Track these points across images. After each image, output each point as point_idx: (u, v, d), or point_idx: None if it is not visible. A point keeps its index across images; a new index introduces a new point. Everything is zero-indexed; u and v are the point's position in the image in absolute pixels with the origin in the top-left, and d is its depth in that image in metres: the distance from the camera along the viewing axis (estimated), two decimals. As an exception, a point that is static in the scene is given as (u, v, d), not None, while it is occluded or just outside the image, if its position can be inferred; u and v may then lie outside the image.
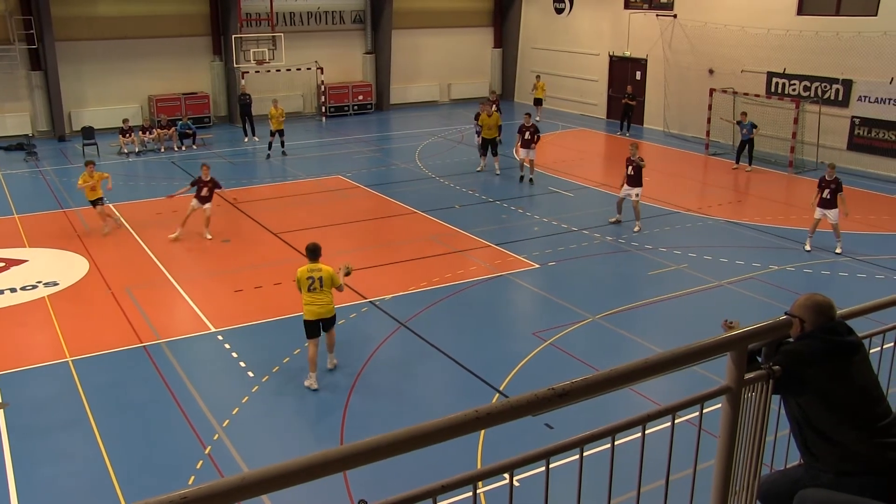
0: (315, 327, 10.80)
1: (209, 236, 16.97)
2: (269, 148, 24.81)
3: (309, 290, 10.72)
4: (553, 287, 14.32)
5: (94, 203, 17.44)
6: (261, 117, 27.62)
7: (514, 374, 11.05)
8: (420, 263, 15.45)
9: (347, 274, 11.25)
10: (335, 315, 11.13)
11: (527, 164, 21.32)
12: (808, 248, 16.08)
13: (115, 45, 27.91)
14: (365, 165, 23.98)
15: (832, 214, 15.67)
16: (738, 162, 23.38)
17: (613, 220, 17.86)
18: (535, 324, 12.87)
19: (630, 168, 17.31)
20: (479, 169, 22.82)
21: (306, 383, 10.71)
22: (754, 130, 22.79)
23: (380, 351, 11.84)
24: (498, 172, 22.29)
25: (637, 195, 17.30)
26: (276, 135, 24.50)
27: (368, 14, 32.86)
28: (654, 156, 25.90)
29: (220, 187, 17.37)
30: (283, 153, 24.83)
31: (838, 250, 15.83)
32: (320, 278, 10.70)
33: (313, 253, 10.83)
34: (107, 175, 17.88)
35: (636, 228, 17.27)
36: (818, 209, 15.86)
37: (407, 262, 15.53)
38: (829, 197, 15.69)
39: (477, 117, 23.20)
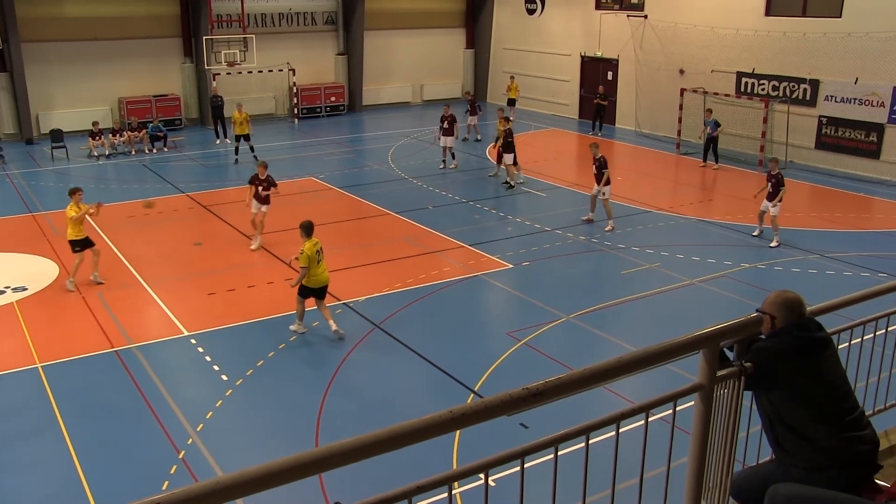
0: (314, 292, 12.14)
1: (254, 245, 16.40)
2: (237, 153, 24.29)
3: (318, 263, 11.98)
4: (527, 287, 14.37)
5: (83, 244, 14.22)
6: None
7: (489, 374, 11.07)
8: (394, 265, 15.43)
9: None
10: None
11: (503, 167, 21.25)
12: (755, 233, 16.98)
13: (83, 46, 27.58)
14: (338, 167, 23.91)
15: (773, 208, 16.36)
16: (705, 160, 23.70)
17: (586, 218, 17.97)
18: (510, 324, 12.90)
19: (594, 167, 17.56)
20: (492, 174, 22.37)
21: (292, 327, 12.37)
22: (718, 129, 23.09)
23: (354, 353, 11.80)
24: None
25: (605, 193, 17.45)
26: (241, 140, 23.98)
27: (340, 15, 32.77)
28: (625, 155, 26.11)
29: (275, 185, 16.52)
30: (255, 157, 24.13)
31: (773, 243, 16.40)
32: (320, 249, 12.06)
33: (310, 230, 12.03)
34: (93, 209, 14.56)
35: (608, 227, 17.40)
36: (764, 201, 16.62)
37: (381, 263, 15.50)
38: (771, 190, 16.43)
39: (443, 120, 23.07)
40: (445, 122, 22.83)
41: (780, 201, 16.28)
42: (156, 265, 15.52)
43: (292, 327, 12.43)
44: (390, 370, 11.41)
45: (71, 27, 27.39)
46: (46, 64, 27.14)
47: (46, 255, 15.93)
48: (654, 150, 26.29)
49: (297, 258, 11.95)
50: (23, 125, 26.86)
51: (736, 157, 24.00)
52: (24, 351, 11.80)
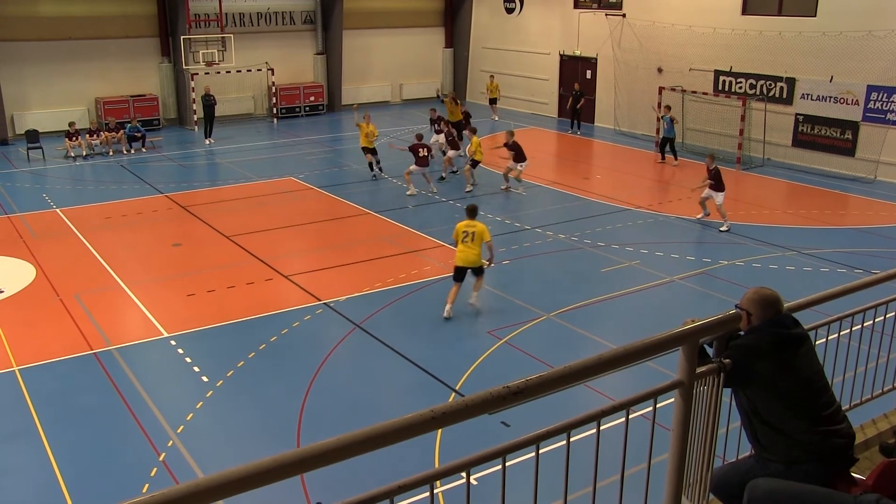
0: (461, 272, 12.98)
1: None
2: (372, 168, 21.91)
3: (462, 242, 12.87)
4: (507, 285, 14.39)
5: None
6: (221, 118, 27.59)
7: (470, 372, 11.08)
8: (374, 264, 15.40)
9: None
10: (482, 266, 13.09)
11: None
12: (700, 216, 18.22)
13: (58, 46, 27.29)
14: (317, 167, 23.82)
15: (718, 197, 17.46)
16: (663, 157, 23.96)
17: (504, 187, 20.63)
18: (490, 322, 12.92)
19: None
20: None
21: (444, 313, 12.88)
22: (674, 125, 23.48)
23: (335, 352, 11.78)
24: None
25: (518, 168, 20.23)
26: (371, 154, 21.60)
27: (319, 14, 32.66)
28: (604, 154, 26.22)
29: (430, 149, 20.37)
30: (379, 170, 22.04)
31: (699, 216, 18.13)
32: (473, 233, 12.85)
33: (472, 212, 13.21)
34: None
35: (520, 190, 20.39)
36: (707, 190, 17.78)
37: (361, 263, 15.47)
38: (713, 182, 17.55)
39: (438, 121, 23.46)
40: (436, 125, 23.66)
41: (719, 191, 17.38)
42: (134, 266, 15.40)
43: (443, 313, 12.97)
44: (371, 370, 11.39)
45: (46, 27, 27.09)
46: (21, 64, 26.84)
47: (23, 257, 15.76)
48: (633, 148, 26.41)
49: None
50: (-3, 126, 26.57)
51: (714, 155, 24.11)
52: (1, 354, 11.66)
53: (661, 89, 25.66)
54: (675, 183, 22.38)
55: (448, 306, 12.89)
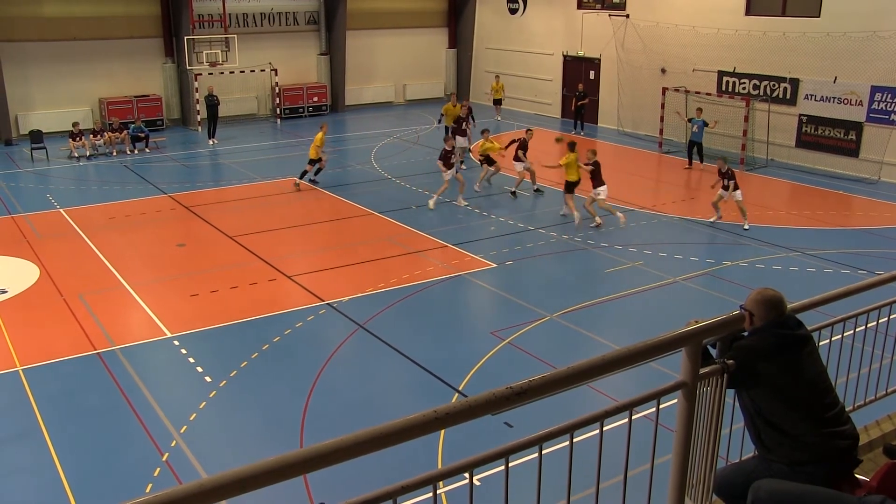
0: (572, 185, 17.67)
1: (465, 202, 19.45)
2: (302, 177, 21.08)
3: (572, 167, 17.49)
4: (510, 286, 14.39)
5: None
6: (224, 119, 27.64)
7: (473, 373, 11.08)
8: (377, 265, 15.41)
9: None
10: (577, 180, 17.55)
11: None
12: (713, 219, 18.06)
13: (62, 46, 27.34)
14: (321, 167, 23.80)
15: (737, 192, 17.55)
16: (690, 163, 23.60)
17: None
18: (493, 323, 12.92)
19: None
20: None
21: (573, 219, 17.51)
22: (705, 128, 22.94)
23: (338, 353, 11.79)
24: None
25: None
26: (312, 163, 20.97)
27: (322, 15, 32.68)
28: (608, 154, 26.13)
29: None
30: (313, 181, 21.21)
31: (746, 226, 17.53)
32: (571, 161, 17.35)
33: (572, 146, 17.72)
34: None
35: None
36: (721, 191, 17.69)
37: (364, 263, 15.47)
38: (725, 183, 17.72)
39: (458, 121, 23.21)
40: (462, 123, 23.03)
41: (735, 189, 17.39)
42: (138, 267, 15.42)
43: (568, 214, 17.68)
44: (374, 370, 11.40)
45: (50, 27, 27.14)
46: (25, 64, 26.88)
47: (26, 257, 15.79)
48: (637, 148, 26.39)
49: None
50: (1, 126, 26.57)
51: (718, 156, 24.07)
52: (5, 354, 11.68)
53: (664, 90, 25.64)
54: (678, 184, 22.36)
55: (576, 214, 17.39)
